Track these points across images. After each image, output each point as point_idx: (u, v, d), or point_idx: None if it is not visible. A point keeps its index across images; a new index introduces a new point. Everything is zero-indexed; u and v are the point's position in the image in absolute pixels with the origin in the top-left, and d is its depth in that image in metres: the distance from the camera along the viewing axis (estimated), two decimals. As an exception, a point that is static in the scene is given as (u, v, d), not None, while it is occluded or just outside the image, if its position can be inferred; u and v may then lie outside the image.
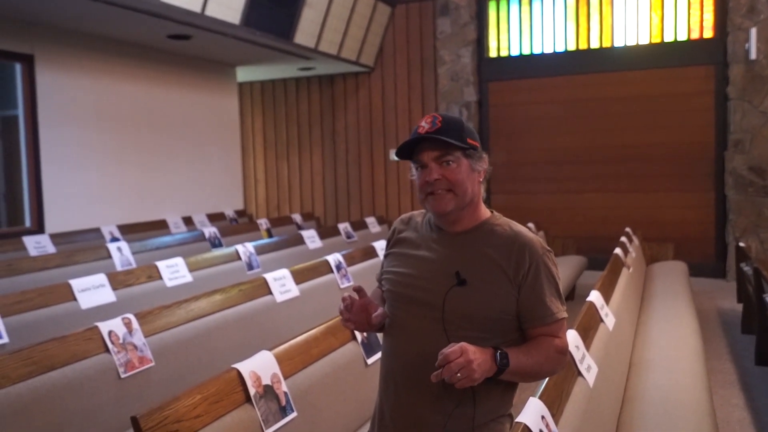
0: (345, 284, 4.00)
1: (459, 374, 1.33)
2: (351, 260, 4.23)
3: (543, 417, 1.56)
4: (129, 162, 6.76)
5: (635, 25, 7.39)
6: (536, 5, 7.79)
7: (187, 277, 3.94)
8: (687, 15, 7.19)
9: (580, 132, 7.65)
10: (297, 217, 7.66)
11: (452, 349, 1.35)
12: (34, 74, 5.81)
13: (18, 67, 5.81)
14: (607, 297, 3.13)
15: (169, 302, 2.83)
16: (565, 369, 1.84)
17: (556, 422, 1.68)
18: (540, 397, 1.66)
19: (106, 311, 3.18)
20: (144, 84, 6.98)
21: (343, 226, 6.34)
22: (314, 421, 2.06)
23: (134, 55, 6.82)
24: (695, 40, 7.16)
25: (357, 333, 2.48)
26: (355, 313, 1.54)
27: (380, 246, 4.68)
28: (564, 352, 1.54)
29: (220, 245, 5.61)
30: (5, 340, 2.70)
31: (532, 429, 1.47)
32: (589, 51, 7.60)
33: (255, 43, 6.71)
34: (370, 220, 7.07)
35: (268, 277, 3.45)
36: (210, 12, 5.57)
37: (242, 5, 5.92)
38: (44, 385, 2.08)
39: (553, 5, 7.71)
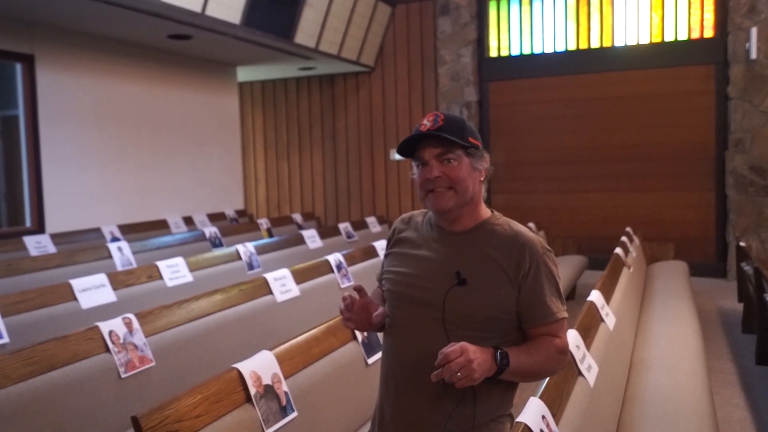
0: (345, 284, 4.00)
1: (459, 374, 1.33)
2: (351, 260, 4.23)
3: (543, 417, 1.56)
4: (129, 162, 6.76)
5: (635, 24, 7.39)
6: (536, 5, 7.79)
7: (187, 277, 3.94)
8: (687, 14, 7.19)
9: (580, 132, 7.65)
10: (297, 217, 7.66)
11: (452, 348, 1.35)
12: (34, 74, 5.81)
13: (18, 67, 5.82)
14: (607, 297, 3.13)
15: (169, 302, 2.83)
16: (565, 369, 1.84)
17: (557, 422, 1.68)
18: (540, 397, 1.66)
19: (106, 311, 3.18)
20: (144, 84, 6.98)
21: (344, 226, 6.34)
22: (315, 420, 2.06)
23: (135, 55, 6.82)
24: (696, 40, 7.16)
25: (357, 333, 2.48)
26: (356, 313, 1.54)
27: (381, 246, 4.68)
28: (564, 351, 1.54)
29: (220, 245, 5.61)
30: (6, 340, 2.70)
31: (532, 429, 1.47)
32: (589, 51, 7.60)
33: (255, 43, 6.71)
34: (371, 220, 7.07)
35: (269, 276, 3.45)
36: (210, 12, 5.58)
37: (242, 5, 5.92)
38: (45, 385, 2.08)
39: (553, 5, 7.71)
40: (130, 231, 6.03)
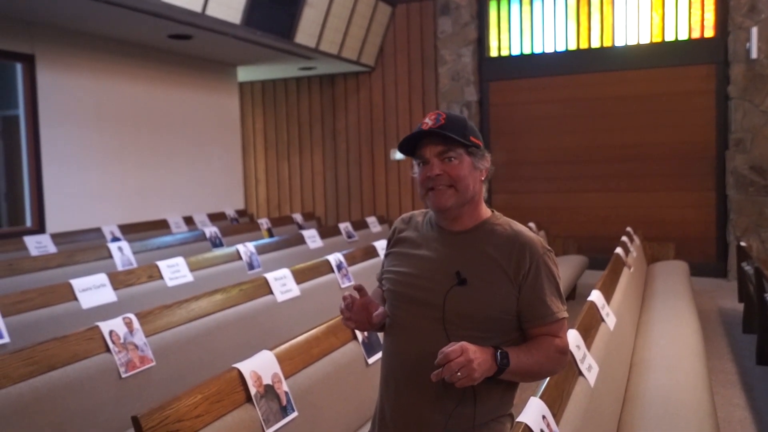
0: (346, 284, 4.00)
1: (459, 373, 1.33)
2: (352, 260, 4.23)
3: (544, 417, 1.56)
4: (130, 162, 6.76)
5: (636, 24, 7.38)
6: (537, 5, 7.79)
7: (187, 277, 3.94)
8: (688, 14, 7.19)
9: (580, 131, 7.64)
10: (298, 217, 7.66)
11: (452, 348, 1.35)
12: (34, 74, 5.81)
13: (19, 67, 5.82)
14: (608, 296, 3.13)
15: (169, 302, 2.83)
16: (565, 369, 1.84)
17: (557, 422, 1.68)
18: (541, 397, 1.65)
19: (106, 311, 3.18)
20: (145, 84, 6.98)
21: (344, 226, 6.34)
22: (315, 420, 2.06)
23: (135, 54, 6.82)
24: (696, 40, 7.16)
25: (358, 332, 2.48)
26: (356, 312, 1.54)
27: (381, 245, 4.68)
28: (564, 351, 1.54)
29: (220, 245, 5.61)
30: (6, 339, 2.70)
31: (533, 429, 1.47)
32: (589, 50, 7.60)
33: (256, 43, 6.71)
34: (371, 220, 7.07)
35: (269, 276, 3.45)
36: (211, 12, 5.58)
37: (243, 5, 5.92)
38: (45, 385, 2.08)
39: (553, 5, 7.71)
40: (131, 231, 6.03)
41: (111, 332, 2.39)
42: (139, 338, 2.49)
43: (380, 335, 1.86)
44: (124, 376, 2.36)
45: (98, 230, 5.76)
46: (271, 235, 6.57)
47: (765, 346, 4.15)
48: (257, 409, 1.80)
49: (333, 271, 3.98)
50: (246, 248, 4.60)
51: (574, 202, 7.70)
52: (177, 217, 6.84)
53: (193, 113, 7.69)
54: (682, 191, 7.26)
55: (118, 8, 5.20)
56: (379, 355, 2.37)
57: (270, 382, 1.90)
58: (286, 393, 1.94)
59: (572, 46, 7.66)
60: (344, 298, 1.53)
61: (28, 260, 4.06)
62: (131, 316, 2.52)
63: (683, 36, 7.21)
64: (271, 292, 3.39)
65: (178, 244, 5.26)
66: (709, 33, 7.09)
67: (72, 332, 2.30)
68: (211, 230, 5.74)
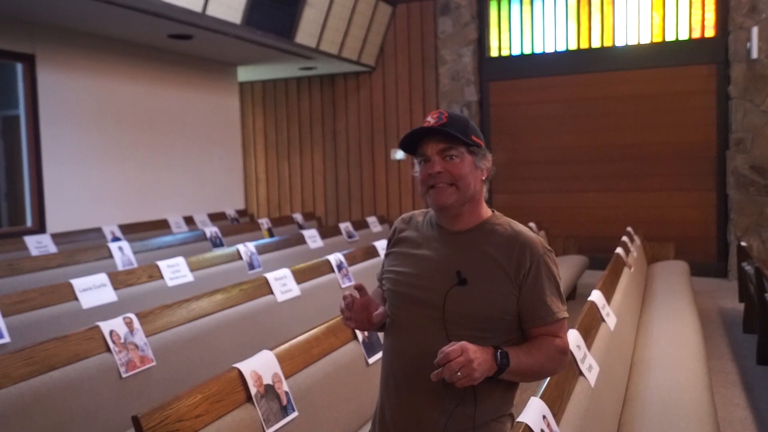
0: (346, 284, 4.00)
1: (459, 373, 1.33)
2: (352, 260, 4.23)
3: (544, 417, 1.56)
4: (130, 161, 6.76)
5: (636, 24, 7.38)
6: (537, 4, 7.79)
7: (188, 277, 3.94)
8: (688, 14, 7.19)
9: (581, 131, 7.64)
10: (298, 217, 7.66)
11: (453, 347, 1.34)
12: (35, 74, 5.82)
13: (19, 67, 5.82)
14: (608, 296, 3.13)
15: (170, 302, 2.83)
16: (566, 369, 1.83)
17: (558, 422, 1.68)
18: (541, 397, 1.66)
19: (107, 311, 3.18)
20: (145, 84, 6.98)
21: (344, 226, 6.34)
22: (315, 420, 2.06)
23: (135, 54, 6.82)
24: (696, 40, 7.16)
25: (358, 332, 2.48)
26: (356, 312, 1.54)
27: (381, 245, 4.68)
28: (565, 351, 1.54)
29: (221, 245, 5.61)
30: (7, 339, 2.70)
31: (533, 429, 1.47)
32: (590, 50, 7.60)
33: (256, 43, 6.71)
34: (371, 220, 7.07)
35: (269, 276, 3.45)
36: (211, 12, 5.58)
37: (243, 5, 5.92)
38: (45, 385, 2.08)
39: (554, 4, 7.71)
40: (131, 231, 6.03)
41: (111, 332, 2.40)
42: (140, 338, 2.50)
43: (380, 335, 1.86)
44: (124, 375, 2.36)
45: (99, 230, 5.76)
46: (271, 235, 6.57)
47: (765, 345, 4.15)
48: (257, 409, 1.80)
49: (333, 271, 3.98)
50: (246, 248, 4.60)
51: (574, 202, 7.70)
52: (177, 217, 6.84)
53: (194, 113, 7.69)
54: (682, 191, 7.26)
55: (118, 8, 5.20)
56: (379, 355, 2.37)
57: (270, 382, 1.90)
58: (287, 393, 1.94)
59: (573, 46, 7.66)
60: (344, 298, 1.53)
61: (29, 260, 4.06)
62: (132, 315, 2.52)
63: (684, 36, 7.21)
64: (272, 292, 3.39)
65: (179, 244, 5.26)
66: (710, 33, 7.09)
67: (72, 332, 2.30)
68: (211, 230, 5.74)
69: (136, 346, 2.46)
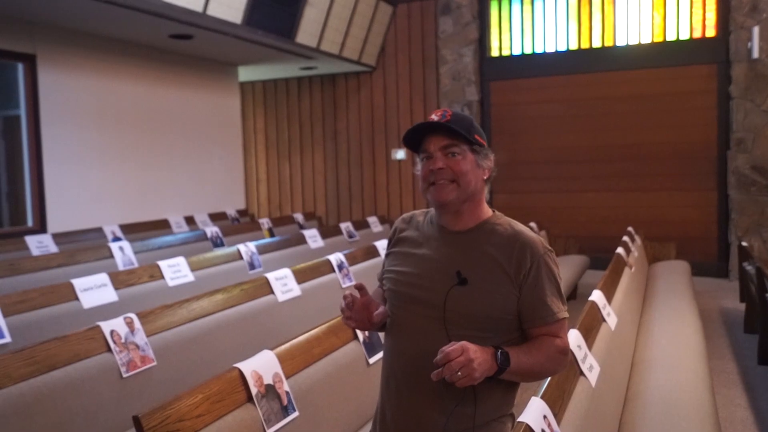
0: (347, 284, 4.00)
1: (459, 373, 1.33)
2: (353, 260, 4.23)
3: (545, 417, 1.56)
4: (131, 161, 6.77)
5: (637, 24, 7.38)
6: (538, 4, 7.78)
7: (188, 277, 3.94)
8: (689, 14, 7.18)
9: (582, 131, 7.64)
10: (299, 217, 7.66)
11: (453, 347, 1.34)
12: (36, 74, 5.82)
13: (20, 67, 5.82)
14: (609, 296, 3.13)
15: (170, 302, 2.83)
16: (567, 369, 1.83)
17: (558, 422, 1.68)
18: (542, 397, 1.65)
19: (108, 311, 3.18)
20: (146, 84, 6.99)
21: (345, 226, 6.34)
22: (316, 420, 2.06)
23: (136, 54, 6.82)
24: (697, 39, 7.15)
25: (359, 332, 2.48)
26: (357, 312, 1.54)
27: (382, 245, 4.68)
28: (565, 352, 1.54)
29: (221, 245, 5.61)
30: (8, 339, 2.70)
31: (534, 429, 1.47)
32: (591, 50, 7.59)
33: (257, 43, 6.71)
34: (372, 220, 7.07)
35: (270, 276, 3.45)
36: (212, 11, 5.58)
37: (244, 5, 5.92)
38: (46, 385, 2.09)
39: (555, 4, 7.70)
40: (132, 231, 6.03)
41: (112, 332, 2.40)
42: (140, 338, 2.50)
43: (381, 335, 1.85)
44: (125, 375, 2.36)
45: (99, 230, 5.76)
46: (272, 234, 6.57)
47: (766, 346, 4.14)
48: (258, 408, 1.80)
49: (334, 271, 3.98)
50: (247, 248, 4.60)
51: (575, 202, 7.70)
52: (178, 217, 6.84)
53: (194, 113, 7.69)
54: (683, 191, 7.25)
55: (119, 8, 5.20)
56: (379, 355, 2.37)
57: (271, 382, 1.90)
58: (287, 393, 1.94)
59: (573, 46, 7.66)
60: (345, 298, 1.53)
61: (30, 260, 4.06)
62: (132, 315, 2.52)
63: (684, 36, 7.21)
64: (272, 292, 3.39)
65: (179, 243, 5.27)
66: (711, 33, 7.09)
67: (73, 332, 2.30)
68: (212, 230, 5.74)
69: (137, 346, 2.46)
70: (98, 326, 2.38)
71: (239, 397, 1.78)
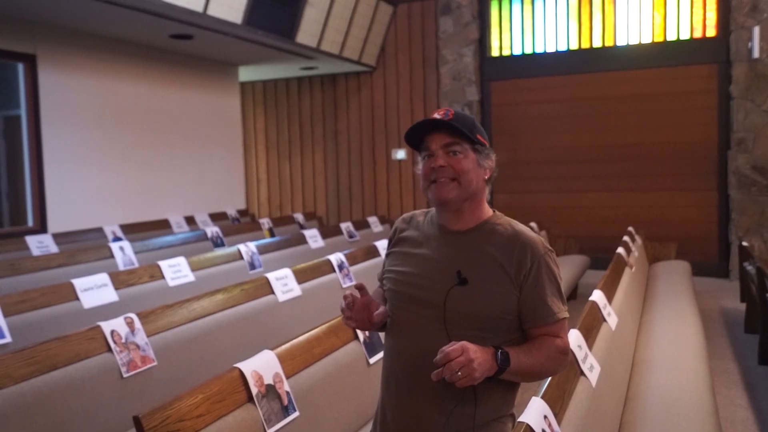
0: (347, 284, 4.00)
1: (459, 373, 1.33)
2: (353, 260, 4.23)
3: (545, 417, 1.56)
4: (131, 161, 6.77)
5: (637, 24, 7.38)
6: (538, 4, 7.78)
7: (189, 277, 3.94)
8: (690, 14, 7.18)
9: (582, 131, 7.64)
10: (299, 217, 7.66)
11: (453, 347, 1.34)
12: (36, 74, 5.82)
13: (21, 67, 5.82)
14: (609, 296, 3.13)
15: (171, 302, 2.83)
16: (567, 369, 1.83)
17: (559, 422, 1.68)
18: (542, 397, 1.65)
19: (108, 311, 3.18)
20: (146, 84, 6.99)
21: (345, 226, 6.34)
22: (316, 420, 2.06)
23: (136, 54, 6.82)
24: (698, 39, 7.15)
25: (359, 332, 2.48)
26: (357, 312, 1.54)
27: (382, 245, 4.68)
28: (565, 352, 1.54)
29: (222, 245, 5.61)
30: (8, 339, 2.70)
31: (534, 429, 1.47)
32: (591, 50, 7.59)
33: (257, 43, 6.71)
34: (372, 220, 7.07)
35: (271, 276, 3.45)
36: (212, 12, 5.58)
37: (244, 5, 5.92)
38: (47, 385, 2.09)
39: (555, 4, 7.70)
40: (132, 231, 6.04)
41: (112, 332, 2.40)
42: (141, 338, 2.50)
43: (381, 335, 1.85)
44: (125, 375, 2.36)
45: (100, 230, 5.76)
46: (272, 234, 6.57)
47: (767, 346, 4.14)
48: (258, 408, 1.80)
49: (334, 271, 3.98)
50: (247, 248, 4.60)
51: (575, 202, 7.69)
52: (178, 217, 6.84)
53: (195, 113, 7.69)
54: (683, 191, 7.25)
55: (119, 8, 5.20)
56: (380, 355, 2.37)
57: (271, 382, 1.90)
58: (288, 393, 1.94)
59: (574, 46, 7.66)
60: (345, 297, 1.53)
61: (30, 260, 4.06)
62: (133, 315, 2.52)
63: (685, 35, 7.21)
64: (273, 292, 3.39)
65: (180, 243, 5.27)
66: (711, 32, 7.08)
67: (73, 332, 2.30)
68: (212, 230, 5.74)
69: (137, 346, 2.46)
70: (99, 326, 2.38)
71: (240, 397, 1.78)
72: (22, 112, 5.87)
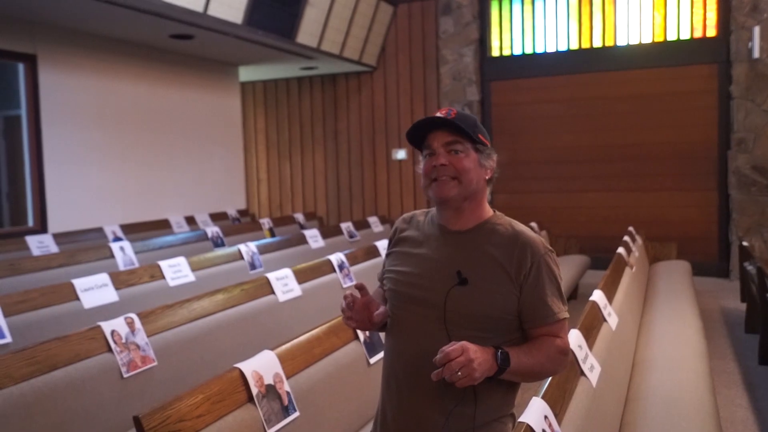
0: (347, 284, 4.00)
1: (459, 373, 1.33)
2: (353, 260, 4.23)
3: (546, 417, 1.56)
4: (132, 161, 6.77)
5: (638, 24, 7.37)
6: (539, 4, 7.78)
7: (189, 277, 3.94)
8: (690, 14, 7.18)
9: (582, 131, 7.64)
10: (299, 217, 7.66)
11: (453, 347, 1.34)
12: (36, 74, 5.82)
13: (21, 67, 5.82)
14: (610, 296, 3.13)
15: (171, 302, 2.83)
16: (567, 369, 1.83)
17: (559, 422, 1.68)
18: (543, 397, 1.65)
19: (108, 311, 3.18)
20: (146, 84, 6.99)
21: (346, 226, 6.34)
22: (316, 420, 2.06)
23: (137, 54, 6.83)
24: (698, 39, 7.15)
25: (359, 332, 2.48)
26: (357, 312, 1.54)
27: (382, 245, 4.68)
28: (565, 352, 1.54)
29: (222, 245, 5.61)
30: (8, 339, 2.70)
31: (534, 429, 1.46)
32: (591, 50, 7.59)
33: (257, 43, 6.71)
34: (373, 220, 7.07)
35: (271, 276, 3.45)
36: (212, 11, 5.58)
37: (244, 5, 5.92)
38: (47, 385, 2.09)
39: (555, 4, 7.70)
40: (133, 231, 6.04)
41: (113, 332, 2.40)
42: (141, 338, 2.50)
43: (382, 335, 1.85)
44: (125, 375, 2.36)
45: (100, 230, 5.76)
46: (272, 234, 6.57)
47: (767, 346, 4.14)
48: (259, 409, 1.80)
49: (335, 271, 3.98)
50: (248, 248, 4.60)
51: (575, 202, 7.69)
52: (179, 217, 6.84)
53: (195, 113, 7.69)
54: (684, 191, 7.25)
55: (119, 8, 5.20)
56: (380, 355, 2.37)
57: (271, 382, 1.90)
58: (288, 393, 1.94)
59: (574, 46, 7.66)
60: (345, 297, 1.53)
61: (30, 260, 4.06)
62: (133, 315, 2.52)
63: (685, 35, 7.20)
64: (273, 292, 3.39)
65: (180, 243, 5.27)
66: (711, 32, 7.08)
67: (74, 332, 2.30)
68: (212, 230, 5.74)
69: (138, 346, 2.46)
70: (99, 326, 2.38)
71: (240, 397, 1.78)
72: (23, 112, 5.88)
